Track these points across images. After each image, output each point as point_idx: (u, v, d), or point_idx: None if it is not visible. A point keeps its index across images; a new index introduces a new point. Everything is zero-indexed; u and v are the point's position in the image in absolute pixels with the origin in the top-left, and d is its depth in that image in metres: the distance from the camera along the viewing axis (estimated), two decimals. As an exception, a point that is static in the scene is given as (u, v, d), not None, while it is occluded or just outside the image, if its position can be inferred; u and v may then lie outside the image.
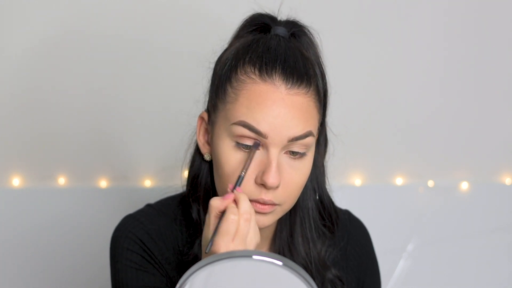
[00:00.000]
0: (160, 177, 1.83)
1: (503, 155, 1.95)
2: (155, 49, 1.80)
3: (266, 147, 1.13)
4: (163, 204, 1.29)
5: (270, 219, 1.17)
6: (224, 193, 1.16)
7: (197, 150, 1.25)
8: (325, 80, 1.21)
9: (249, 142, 1.13)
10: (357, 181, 1.90)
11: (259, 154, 1.14)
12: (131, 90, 1.80)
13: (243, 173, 1.12)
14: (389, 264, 1.90)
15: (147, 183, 1.82)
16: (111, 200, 1.81)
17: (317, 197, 1.28)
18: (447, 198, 1.93)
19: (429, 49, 1.90)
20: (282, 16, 1.23)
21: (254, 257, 0.91)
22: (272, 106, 1.12)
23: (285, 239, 1.27)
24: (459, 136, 1.93)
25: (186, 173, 1.29)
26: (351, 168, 1.90)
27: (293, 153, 1.15)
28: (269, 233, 1.28)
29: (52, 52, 1.77)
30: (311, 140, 1.15)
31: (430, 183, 1.93)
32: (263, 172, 1.13)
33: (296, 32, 1.21)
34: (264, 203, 1.14)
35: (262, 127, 1.12)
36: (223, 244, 1.04)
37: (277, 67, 1.13)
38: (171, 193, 1.33)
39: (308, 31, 1.22)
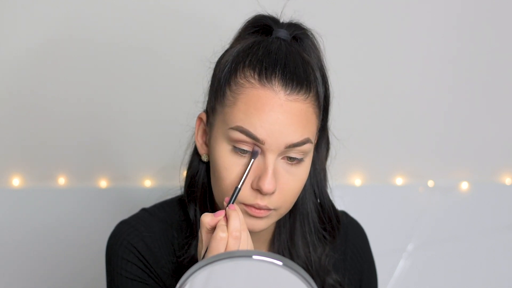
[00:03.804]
0: (160, 177, 1.82)
1: (503, 155, 1.95)
2: (154, 49, 1.80)
3: (263, 153, 1.12)
4: (159, 208, 1.28)
5: (264, 224, 1.17)
6: (219, 196, 1.16)
7: (196, 151, 1.25)
8: (327, 84, 1.20)
9: (246, 147, 1.12)
10: (357, 181, 1.90)
11: (256, 159, 1.13)
12: (131, 90, 1.80)
13: (239, 185, 1.11)
14: (389, 264, 1.90)
15: (147, 183, 1.82)
16: (111, 200, 1.81)
17: (318, 201, 1.27)
18: (447, 198, 1.93)
19: (429, 50, 1.90)
20: (285, 18, 1.22)
21: (254, 257, 0.91)
22: (270, 112, 1.11)
23: (284, 242, 1.26)
24: (459, 136, 1.93)
25: (185, 173, 1.29)
26: (351, 168, 1.90)
27: (291, 159, 1.14)
28: (268, 236, 1.27)
29: (52, 53, 1.77)
30: (309, 147, 1.14)
31: (430, 183, 1.93)
32: (259, 177, 1.12)
33: (298, 35, 1.20)
34: (259, 208, 1.14)
35: (259, 133, 1.11)
36: None
37: (277, 72, 1.12)
38: (172, 195, 1.32)
39: (311, 34, 1.21)
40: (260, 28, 1.21)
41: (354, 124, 1.85)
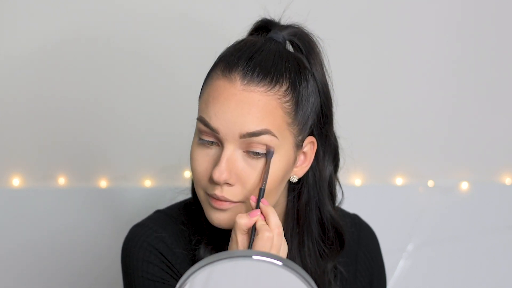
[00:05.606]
0: (160, 177, 1.82)
1: (503, 155, 1.95)
2: (155, 48, 1.80)
3: (221, 143, 1.12)
4: (173, 209, 1.27)
5: (228, 217, 1.15)
6: (196, 189, 1.16)
7: None
8: (327, 91, 1.19)
9: (208, 138, 1.12)
10: (357, 181, 1.90)
11: (217, 150, 1.13)
12: (131, 89, 1.80)
13: (263, 184, 1.11)
14: (389, 264, 1.90)
15: (147, 183, 1.82)
16: (111, 200, 1.81)
17: (319, 213, 1.25)
18: (447, 198, 1.93)
19: (429, 50, 1.90)
20: (288, 21, 1.21)
21: (254, 257, 0.91)
22: (224, 101, 1.11)
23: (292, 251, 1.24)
24: (459, 136, 1.93)
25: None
26: (351, 168, 1.90)
27: (256, 154, 1.12)
28: None
29: (52, 53, 1.77)
30: (269, 139, 1.12)
31: (430, 183, 1.92)
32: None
33: (293, 39, 1.19)
34: (218, 199, 1.13)
35: (213, 122, 1.11)
36: None
37: (240, 63, 1.12)
38: (180, 193, 1.32)
39: (311, 39, 1.20)
40: (260, 30, 1.21)
41: (354, 124, 1.85)
